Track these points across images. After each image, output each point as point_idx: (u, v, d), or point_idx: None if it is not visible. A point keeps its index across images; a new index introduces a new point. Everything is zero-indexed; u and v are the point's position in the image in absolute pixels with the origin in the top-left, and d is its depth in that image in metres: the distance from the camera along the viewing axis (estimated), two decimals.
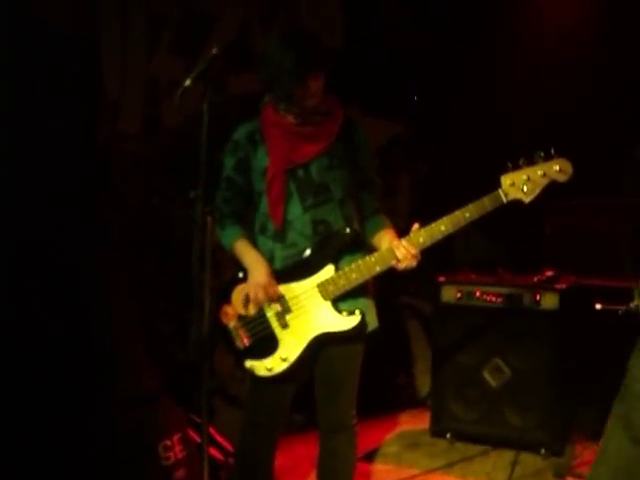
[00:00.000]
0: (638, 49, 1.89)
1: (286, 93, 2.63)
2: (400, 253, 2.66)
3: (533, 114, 4.28)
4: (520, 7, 4.31)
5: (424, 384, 4.64)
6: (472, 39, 4.37)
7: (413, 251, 2.67)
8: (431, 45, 4.57)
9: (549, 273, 3.80)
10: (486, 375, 3.86)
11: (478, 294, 3.80)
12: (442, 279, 3.93)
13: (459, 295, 3.85)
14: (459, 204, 2.81)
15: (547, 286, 3.70)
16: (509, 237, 4.42)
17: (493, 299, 3.76)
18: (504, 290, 3.77)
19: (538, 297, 3.67)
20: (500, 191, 2.69)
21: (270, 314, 2.76)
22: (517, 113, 4.36)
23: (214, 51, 2.49)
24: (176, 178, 3.94)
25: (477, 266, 4.17)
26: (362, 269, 2.71)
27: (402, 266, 2.68)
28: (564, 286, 3.71)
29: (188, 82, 2.45)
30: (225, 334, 2.80)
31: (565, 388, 3.74)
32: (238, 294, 2.79)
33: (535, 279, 3.78)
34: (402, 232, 2.83)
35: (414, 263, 2.68)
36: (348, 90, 4.55)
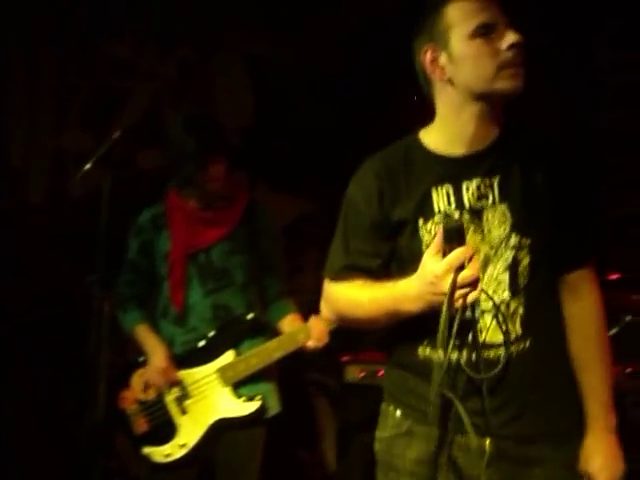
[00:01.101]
0: None
1: (187, 177, 2.66)
2: (317, 330, 2.70)
3: None
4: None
5: (332, 461, 4.61)
6: (376, 119, 4.50)
7: (326, 328, 2.71)
8: (336, 124, 4.68)
9: None
10: None
11: (381, 373, 3.82)
12: (346, 358, 3.94)
13: (363, 374, 3.86)
14: None
15: None
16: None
17: None
18: None
19: None
20: None
21: (169, 399, 2.72)
22: None
23: (116, 134, 2.51)
24: (79, 254, 3.89)
25: (382, 343, 4.21)
26: (262, 355, 2.72)
27: (312, 346, 2.72)
28: None
29: (89, 165, 2.46)
30: (123, 419, 2.74)
31: None
32: (137, 378, 2.75)
33: None
34: (310, 309, 2.86)
35: (322, 344, 2.72)
36: (258, 168, 4.65)
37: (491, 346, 1.72)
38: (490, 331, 1.72)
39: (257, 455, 2.82)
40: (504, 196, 1.74)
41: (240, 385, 2.74)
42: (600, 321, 1.82)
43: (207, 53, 4.61)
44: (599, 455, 1.76)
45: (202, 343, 2.75)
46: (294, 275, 4.79)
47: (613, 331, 2.93)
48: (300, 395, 4.61)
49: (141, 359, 2.79)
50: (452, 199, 1.76)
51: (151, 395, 2.73)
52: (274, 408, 2.82)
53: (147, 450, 2.71)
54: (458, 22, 1.73)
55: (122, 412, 2.75)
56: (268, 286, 2.89)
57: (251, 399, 2.73)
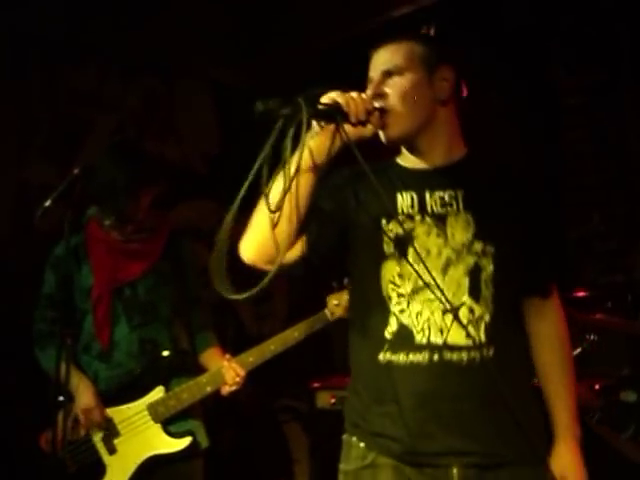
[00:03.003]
0: None
1: (118, 209, 2.62)
2: (229, 376, 2.68)
3: None
4: None
5: None
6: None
7: (241, 373, 2.69)
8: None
9: None
10: None
11: None
12: (316, 385, 3.92)
13: (333, 400, 3.84)
14: None
15: None
16: None
17: None
18: None
19: None
20: (326, 311, 2.80)
21: (97, 439, 2.66)
22: None
23: (76, 171, 2.46)
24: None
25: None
26: (193, 390, 2.68)
27: (228, 390, 2.69)
28: None
29: (48, 202, 2.41)
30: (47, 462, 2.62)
31: None
32: (62, 419, 2.62)
33: None
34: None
35: (239, 385, 2.71)
36: (225, 194, 4.64)
37: (454, 348, 1.77)
38: (451, 332, 1.77)
39: None
40: (468, 206, 1.83)
41: (168, 423, 2.69)
42: (564, 338, 1.93)
43: (172, 82, 4.61)
44: (569, 460, 1.85)
45: (130, 379, 2.69)
46: (263, 302, 4.79)
47: (577, 351, 2.96)
48: (273, 422, 4.58)
49: (61, 398, 2.64)
50: (415, 203, 1.85)
51: (79, 435, 2.66)
52: (203, 443, 2.77)
53: None
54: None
55: (46, 455, 2.66)
56: (192, 319, 2.86)
57: (181, 436, 2.69)
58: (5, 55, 4.00)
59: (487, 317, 1.79)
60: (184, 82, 4.66)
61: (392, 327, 1.81)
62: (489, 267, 1.80)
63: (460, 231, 1.82)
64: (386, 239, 1.83)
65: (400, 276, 1.81)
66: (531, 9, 3.90)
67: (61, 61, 4.17)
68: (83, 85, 4.30)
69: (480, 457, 1.76)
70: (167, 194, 4.39)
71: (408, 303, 1.81)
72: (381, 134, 1.87)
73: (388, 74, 1.86)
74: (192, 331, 2.85)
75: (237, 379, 2.70)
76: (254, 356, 2.75)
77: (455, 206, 1.84)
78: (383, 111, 1.82)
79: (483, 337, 1.78)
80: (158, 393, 2.69)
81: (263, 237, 1.76)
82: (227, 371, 2.70)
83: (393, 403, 1.81)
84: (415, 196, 1.86)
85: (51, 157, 4.11)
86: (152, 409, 2.67)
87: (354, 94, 1.75)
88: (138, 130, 4.42)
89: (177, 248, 2.83)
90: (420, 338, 1.79)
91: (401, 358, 1.79)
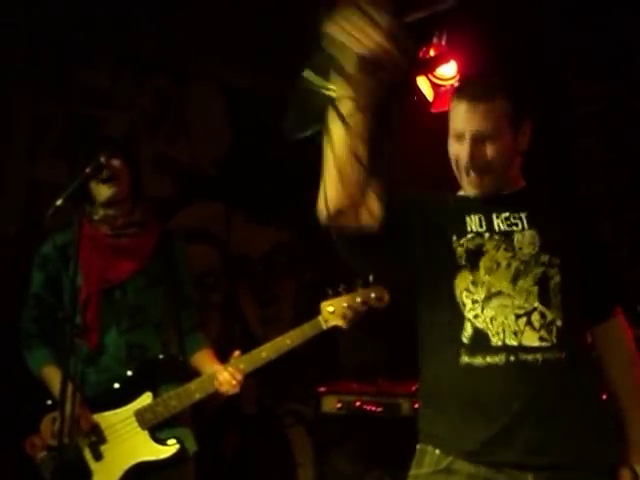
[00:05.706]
0: None
1: (85, 191, 2.57)
2: (222, 377, 2.64)
3: None
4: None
5: None
6: None
7: (238, 377, 2.65)
8: (313, 155, 4.68)
9: None
10: None
11: (358, 404, 3.80)
12: (322, 389, 3.91)
13: (339, 405, 3.84)
14: None
15: None
16: (392, 343, 4.48)
17: (373, 408, 3.76)
18: (383, 399, 3.77)
19: (416, 405, 3.69)
20: (320, 318, 2.75)
21: (83, 445, 2.62)
22: None
23: (87, 170, 2.46)
24: None
25: (360, 372, 4.20)
26: (182, 397, 2.65)
27: (224, 390, 2.65)
28: None
29: (60, 201, 2.40)
30: (33, 467, 2.62)
31: None
32: (47, 424, 2.62)
33: (413, 388, 3.82)
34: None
35: (237, 389, 2.66)
36: (233, 197, 4.64)
37: (529, 349, 1.86)
38: (525, 334, 1.86)
39: None
40: (532, 224, 1.98)
41: (156, 429, 2.66)
42: (632, 356, 2.06)
43: (184, 83, 4.61)
44: None
45: (117, 385, 2.67)
46: (270, 305, 4.77)
47: None
48: (277, 425, 4.57)
49: (49, 402, 2.67)
50: (483, 223, 1.98)
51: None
52: (191, 449, 2.74)
53: None
54: (450, 119, 2.00)
55: (31, 460, 2.65)
56: (182, 319, 2.83)
57: (169, 442, 2.66)
58: (18, 53, 4.00)
59: (559, 322, 1.89)
60: (196, 83, 4.66)
61: (467, 332, 1.91)
62: (557, 277, 1.92)
63: (527, 245, 1.94)
64: (458, 253, 1.95)
65: (474, 283, 1.92)
66: (545, 16, 3.89)
67: (73, 60, 4.17)
68: (95, 84, 4.30)
69: (553, 459, 1.83)
70: (176, 196, 4.44)
71: (482, 309, 1.90)
72: (469, 186, 1.99)
73: (481, 136, 1.94)
74: (182, 333, 2.81)
75: (233, 382, 2.65)
76: (244, 363, 2.71)
77: (520, 225, 1.97)
78: (482, 170, 1.95)
79: (555, 340, 1.87)
80: (146, 399, 2.66)
81: (339, 185, 1.78)
82: (221, 374, 2.65)
83: (472, 406, 1.88)
84: (483, 217, 1.99)
85: (63, 156, 4.11)
86: (139, 415, 2.64)
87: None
88: (149, 130, 4.42)
89: (169, 247, 2.79)
90: (496, 341, 1.88)
91: (479, 361, 1.88)
